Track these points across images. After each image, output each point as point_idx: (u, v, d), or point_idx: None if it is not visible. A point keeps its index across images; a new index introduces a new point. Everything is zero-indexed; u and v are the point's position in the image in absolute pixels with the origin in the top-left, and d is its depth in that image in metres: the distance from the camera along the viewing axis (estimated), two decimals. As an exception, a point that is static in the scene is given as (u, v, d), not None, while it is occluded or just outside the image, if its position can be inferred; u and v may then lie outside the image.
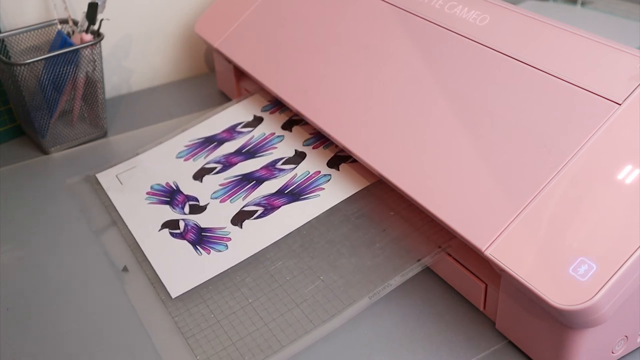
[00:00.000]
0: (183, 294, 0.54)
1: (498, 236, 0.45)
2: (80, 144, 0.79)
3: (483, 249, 0.46)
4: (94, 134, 0.80)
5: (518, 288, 0.46)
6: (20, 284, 0.58)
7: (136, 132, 0.81)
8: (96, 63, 0.76)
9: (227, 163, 0.67)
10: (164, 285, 0.55)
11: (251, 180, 0.64)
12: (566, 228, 0.43)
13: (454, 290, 0.55)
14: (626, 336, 0.47)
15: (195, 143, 0.71)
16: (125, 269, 0.58)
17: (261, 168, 0.65)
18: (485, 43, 0.55)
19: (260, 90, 0.77)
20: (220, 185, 0.64)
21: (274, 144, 0.68)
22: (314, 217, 0.58)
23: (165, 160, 0.70)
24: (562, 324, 0.43)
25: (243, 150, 0.68)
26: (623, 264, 0.40)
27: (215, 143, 0.70)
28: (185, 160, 0.69)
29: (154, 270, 0.57)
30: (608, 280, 0.40)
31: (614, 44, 0.49)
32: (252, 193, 0.62)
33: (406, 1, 0.64)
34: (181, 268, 0.56)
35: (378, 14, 0.65)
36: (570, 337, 0.44)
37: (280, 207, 0.60)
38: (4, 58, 0.73)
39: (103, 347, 0.52)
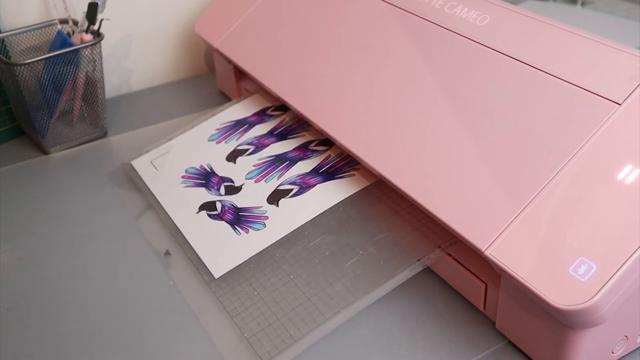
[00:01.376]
0: (225, 273, 0.55)
1: (498, 236, 0.45)
2: (80, 144, 0.79)
3: (483, 249, 0.46)
4: (94, 134, 0.80)
5: (518, 288, 0.46)
6: (20, 284, 0.58)
7: (136, 132, 0.81)
8: (96, 63, 0.76)
9: (259, 144, 0.67)
10: (206, 267, 0.56)
11: (285, 160, 0.64)
12: (566, 228, 0.43)
13: (453, 290, 0.55)
14: (626, 336, 0.47)
15: (227, 126, 0.72)
16: (167, 253, 0.59)
17: (294, 149, 0.65)
18: (485, 43, 0.55)
19: (260, 90, 0.77)
20: (254, 165, 0.65)
21: (305, 127, 0.68)
22: (349, 195, 0.58)
23: (198, 144, 0.71)
24: (562, 324, 0.43)
25: (275, 132, 0.69)
26: (623, 264, 0.40)
27: (247, 125, 0.71)
28: (217, 143, 0.70)
29: (196, 253, 0.58)
30: (608, 280, 0.40)
31: (614, 44, 0.49)
32: (287, 172, 0.63)
33: (406, 1, 0.64)
34: (221, 249, 0.57)
35: (378, 14, 0.65)
36: (570, 337, 0.44)
37: (315, 185, 0.60)
38: (4, 58, 0.73)
39: (152, 332, 0.52)
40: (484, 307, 0.52)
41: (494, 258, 0.45)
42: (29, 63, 0.71)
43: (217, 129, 0.72)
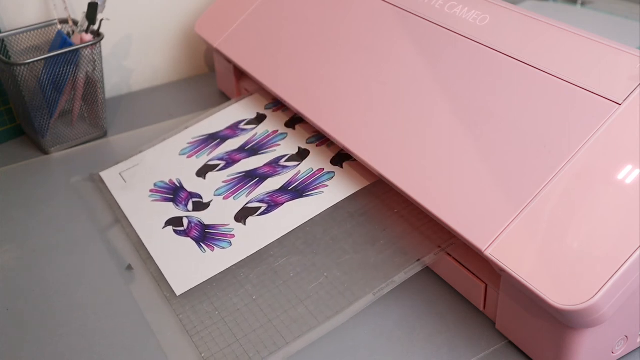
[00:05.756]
0: (187, 291, 0.54)
1: (498, 236, 0.45)
2: (80, 144, 0.79)
3: (483, 249, 0.46)
4: (94, 134, 0.80)
5: (518, 288, 0.46)
6: (20, 284, 0.58)
7: (136, 132, 0.81)
8: (96, 63, 0.76)
9: (230, 160, 0.67)
10: (168, 283, 0.55)
11: (254, 177, 0.64)
12: (566, 228, 0.43)
13: (454, 290, 0.55)
14: (626, 336, 0.47)
15: (199, 140, 0.71)
16: (129, 267, 0.58)
17: (264, 165, 0.65)
18: (485, 43, 0.55)
19: (260, 90, 0.77)
20: (223, 182, 0.64)
21: (277, 141, 0.68)
22: (317, 214, 0.58)
23: (169, 157, 0.70)
24: (562, 324, 0.43)
25: (246, 148, 0.68)
26: (623, 264, 0.40)
27: (219, 140, 0.70)
28: (188, 157, 0.69)
29: (159, 268, 0.57)
30: (608, 280, 0.40)
31: (614, 44, 0.49)
32: (256, 190, 0.62)
33: (406, 1, 0.64)
34: (185, 266, 0.56)
35: (378, 14, 0.65)
36: (570, 337, 0.44)
37: (283, 203, 0.60)
38: (4, 58, 0.73)
39: (107, 346, 0.52)
40: (484, 307, 0.52)
41: (494, 258, 0.45)
42: (29, 63, 0.71)
43: (189, 143, 0.71)
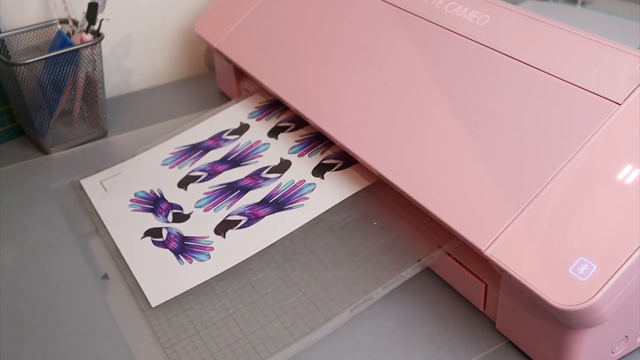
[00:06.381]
0: (163, 303, 0.54)
1: (498, 236, 0.45)
2: (80, 144, 0.79)
3: (483, 249, 0.46)
4: (94, 134, 0.80)
5: (518, 288, 0.46)
6: (20, 284, 0.58)
7: (136, 132, 0.81)
8: (96, 63, 0.76)
9: (212, 171, 0.66)
10: (144, 294, 0.55)
11: (236, 189, 0.63)
12: (566, 228, 0.43)
13: (454, 290, 0.55)
14: (626, 336, 0.47)
15: (181, 150, 0.71)
16: (105, 277, 0.57)
17: (246, 177, 0.64)
18: (485, 43, 0.55)
19: (260, 90, 0.77)
20: (204, 193, 0.64)
21: (259, 152, 0.67)
22: (297, 227, 0.57)
23: (151, 167, 0.69)
24: (562, 324, 0.43)
25: (229, 159, 0.68)
26: (623, 264, 0.40)
27: (201, 151, 0.70)
28: (170, 167, 0.69)
29: (135, 279, 0.56)
30: (608, 281, 0.40)
31: (614, 44, 0.49)
32: (237, 202, 0.62)
33: (406, 1, 0.64)
34: (162, 277, 0.56)
35: (378, 14, 0.65)
36: (570, 337, 0.44)
37: (264, 217, 0.59)
38: (4, 58, 0.73)
39: (79, 355, 0.51)
40: (484, 307, 0.52)
41: (494, 258, 0.45)
42: (29, 63, 0.71)
43: (171, 153, 0.71)
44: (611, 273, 0.40)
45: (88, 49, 0.75)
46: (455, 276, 0.54)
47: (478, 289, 0.51)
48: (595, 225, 0.42)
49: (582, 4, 0.83)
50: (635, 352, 0.49)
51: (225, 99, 0.87)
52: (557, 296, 0.41)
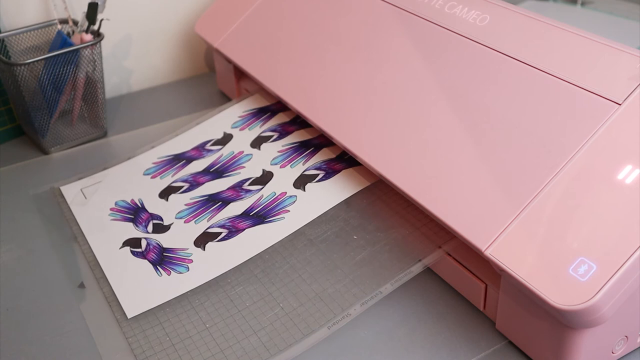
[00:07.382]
0: (139, 314, 0.53)
1: (498, 236, 0.45)
2: (80, 144, 0.79)
3: (483, 249, 0.46)
4: (94, 134, 0.81)
5: (518, 288, 0.46)
6: (20, 284, 0.58)
7: (136, 132, 0.81)
8: (96, 63, 0.76)
9: (194, 182, 0.66)
10: (120, 305, 0.54)
11: (217, 201, 0.63)
12: (566, 228, 0.43)
13: (454, 290, 0.55)
14: (626, 336, 0.47)
15: (164, 160, 0.70)
16: (82, 286, 0.57)
17: (228, 189, 0.64)
18: (485, 43, 0.55)
19: (260, 90, 0.77)
20: (186, 205, 0.63)
21: (242, 163, 0.67)
22: (277, 241, 0.57)
23: (133, 176, 0.69)
24: (562, 324, 0.43)
25: (211, 170, 0.67)
26: (623, 264, 0.40)
27: (184, 161, 0.69)
28: (152, 177, 0.68)
29: (112, 289, 0.56)
30: (608, 280, 0.40)
31: (614, 44, 0.49)
32: (218, 214, 0.61)
33: (406, 1, 0.64)
34: (139, 288, 0.55)
35: (378, 14, 0.65)
36: (570, 337, 0.44)
37: (244, 229, 0.59)
38: (4, 58, 0.73)
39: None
40: (484, 307, 0.52)
41: (494, 258, 0.45)
42: (29, 63, 0.71)
43: (154, 163, 0.70)
44: (611, 273, 0.40)
45: (88, 49, 0.75)
46: (455, 276, 0.54)
47: (478, 289, 0.51)
48: (595, 225, 0.42)
49: (582, 4, 0.83)
50: (635, 352, 0.49)
51: (225, 99, 0.87)
52: (557, 296, 0.41)
